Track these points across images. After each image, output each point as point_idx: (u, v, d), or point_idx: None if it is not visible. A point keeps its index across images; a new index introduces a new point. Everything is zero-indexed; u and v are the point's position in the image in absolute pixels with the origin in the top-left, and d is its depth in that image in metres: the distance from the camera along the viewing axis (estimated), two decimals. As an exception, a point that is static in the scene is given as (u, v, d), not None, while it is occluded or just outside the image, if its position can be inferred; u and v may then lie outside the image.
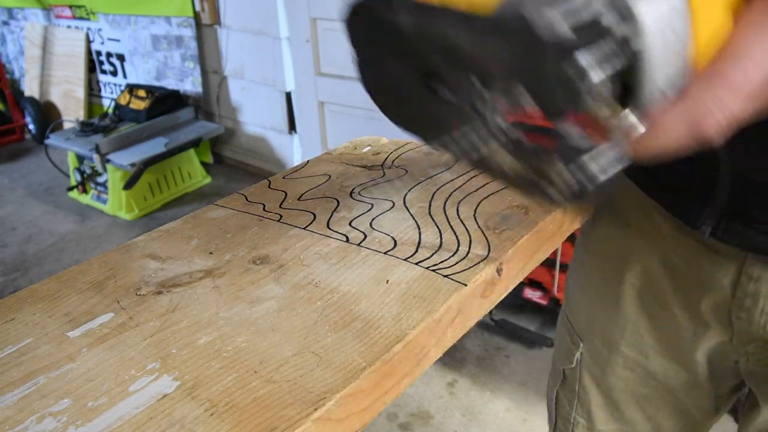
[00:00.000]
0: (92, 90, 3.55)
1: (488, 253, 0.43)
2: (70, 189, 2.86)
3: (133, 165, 2.51)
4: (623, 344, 0.58)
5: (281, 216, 0.51)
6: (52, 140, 2.72)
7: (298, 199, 0.53)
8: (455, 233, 0.46)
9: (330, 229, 0.48)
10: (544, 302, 1.68)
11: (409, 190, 0.53)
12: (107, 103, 3.34)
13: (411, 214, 0.49)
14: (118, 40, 3.26)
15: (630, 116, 0.26)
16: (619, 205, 0.55)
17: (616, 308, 0.57)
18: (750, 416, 0.53)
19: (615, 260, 0.57)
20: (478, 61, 0.24)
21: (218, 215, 0.52)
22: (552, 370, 0.69)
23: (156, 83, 3.14)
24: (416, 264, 0.42)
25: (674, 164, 0.47)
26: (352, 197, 0.53)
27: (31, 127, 3.61)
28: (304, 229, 0.48)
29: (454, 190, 0.53)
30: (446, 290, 0.39)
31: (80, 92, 3.45)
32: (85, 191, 2.82)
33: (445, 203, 0.50)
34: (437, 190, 0.53)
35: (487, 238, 0.45)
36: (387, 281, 0.40)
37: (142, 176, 2.57)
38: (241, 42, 2.76)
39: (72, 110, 3.49)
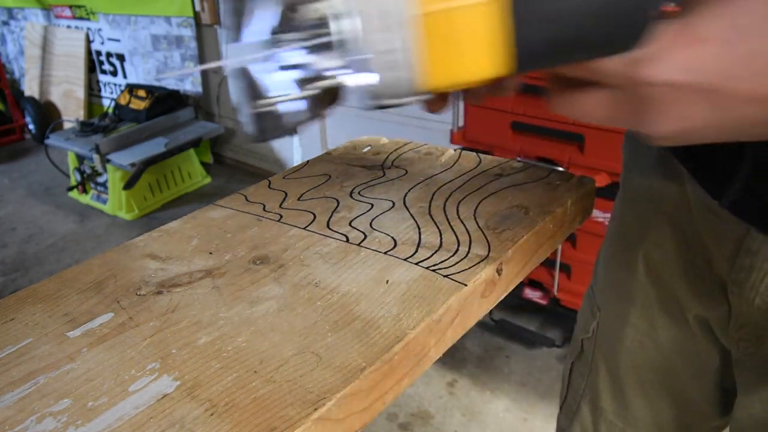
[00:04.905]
0: (92, 90, 3.55)
1: (488, 253, 0.43)
2: (70, 189, 2.86)
3: (133, 165, 2.51)
4: (633, 314, 0.58)
5: (281, 216, 0.51)
6: (52, 140, 2.72)
7: (298, 199, 0.53)
8: (455, 233, 0.46)
9: (330, 229, 0.48)
10: (544, 302, 1.68)
11: (409, 190, 0.53)
12: (107, 103, 3.34)
13: (411, 214, 0.49)
14: (118, 40, 3.26)
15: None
16: (649, 166, 0.54)
17: (630, 277, 0.58)
18: (735, 411, 0.53)
19: (634, 227, 0.57)
20: None
21: (218, 215, 0.52)
22: (571, 342, 0.70)
23: (156, 83, 3.14)
24: (416, 264, 0.42)
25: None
26: (352, 197, 0.53)
27: (31, 127, 3.61)
28: (304, 229, 0.48)
29: (454, 190, 0.53)
30: (446, 290, 0.39)
31: (80, 92, 3.45)
32: (85, 191, 2.82)
33: (445, 203, 0.50)
34: (437, 190, 0.53)
35: (487, 238, 0.45)
36: (387, 281, 0.40)
37: (142, 176, 2.58)
38: (241, 42, 2.76)
39: (72, 110, 3.49)
